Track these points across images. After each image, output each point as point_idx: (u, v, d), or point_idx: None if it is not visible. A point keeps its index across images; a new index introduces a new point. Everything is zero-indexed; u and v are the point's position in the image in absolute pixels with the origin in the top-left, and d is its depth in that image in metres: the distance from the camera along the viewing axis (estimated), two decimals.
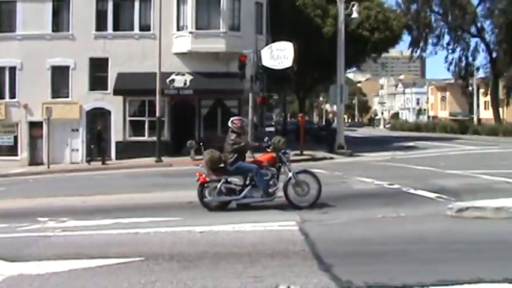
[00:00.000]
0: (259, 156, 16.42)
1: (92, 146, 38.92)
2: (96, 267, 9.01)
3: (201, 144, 17.21)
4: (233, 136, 15.44)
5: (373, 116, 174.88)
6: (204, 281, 7.97)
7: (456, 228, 12.18)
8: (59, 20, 40.44)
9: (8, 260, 9.63)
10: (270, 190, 15.28)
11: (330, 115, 43.21)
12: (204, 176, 15.46)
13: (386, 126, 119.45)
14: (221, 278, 8.09)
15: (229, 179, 15.46)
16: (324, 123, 57.49)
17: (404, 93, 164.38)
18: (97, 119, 40.22)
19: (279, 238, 11.11)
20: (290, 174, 15.48)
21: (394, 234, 11.58)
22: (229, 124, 15.77)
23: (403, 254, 9.62)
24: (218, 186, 15.31)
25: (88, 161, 38.49)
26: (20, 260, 9.71)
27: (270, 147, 15.73)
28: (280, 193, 15.47)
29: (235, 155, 15.29)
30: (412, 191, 18.29)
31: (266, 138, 16.39)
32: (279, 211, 14.89)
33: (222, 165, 15.47)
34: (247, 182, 15.40)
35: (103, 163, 37.40)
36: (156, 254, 9.82)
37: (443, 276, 7.90)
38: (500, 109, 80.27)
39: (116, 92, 38.83)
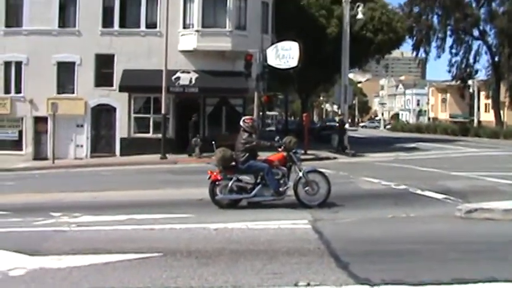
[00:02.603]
0: (270, 155, 16.58)
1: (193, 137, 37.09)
2: (116, 262, 9.16)
3: (213, 142, 17.34)
4: (245, 135, 15.60)
5: (373, 116, 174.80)
6: (224, 277, 8.13)
7: (467, 229, 12.37)
8: (66, 16, 40.53)
9: (28, 254, 9.77)
10: (280, 189, 15.46)
11: (341, 116, 43.15)
12: (215, 174, 15.63)
13: (387, 127, 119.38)
14: (241, 274, 8.25)
15: (240, 178, 15.65)
16: (335, 123, 57.43)
17: (404, 94, 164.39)
18: (102, 115, 40.41)
19: (294, 236, 11.30)
20: (300, 174, 15.65)
21: (406, 234, 11.77)
22: (241, 123, 15.93)
23: (417, 253, 9.79)
24: (229, 184, 15.48)
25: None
26: (40, 254, 9.84)
27: (281, 147, 15.90)
28: (291, 192, 15.66)
29: (247, 154, 15.46)
30: (419, 191, 18.46)
31: (277, 138, 16.56)
32: (290, 209, 15.05)
33: (233, 163, 15.65)
34: (258, 181, 15.58)
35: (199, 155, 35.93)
36: (173, 250, 9.97)
37: (458, 275, 8.09)
38: (502, 112, 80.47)
39: (122, 89, 38.95)
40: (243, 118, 16.20)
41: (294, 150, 15.82)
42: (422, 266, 8.72)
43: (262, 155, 16.89)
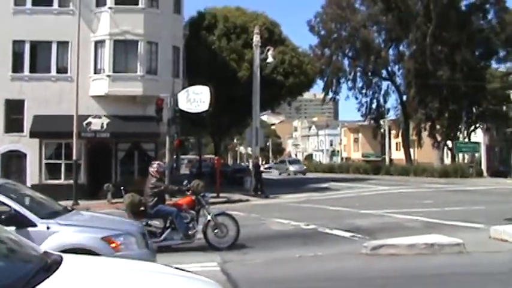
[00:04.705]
0: (178, 199, 16.69)
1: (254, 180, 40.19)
2: None
3: (122, 188, 17.34)
4: (153, 180, 15.68)
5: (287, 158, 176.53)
6: None
7: (372, 265, 12.71)
8: None
9: None
10: (189, 232, 15.58)
11: (256, 159, 43.61)
12: None
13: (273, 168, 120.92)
14: None
15: (149, 222, 15.66)
16: (248, 166, 57.97)
17: (317, 135, 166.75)
18: (13, 162, 39.66)
19: None
20: (209, 217, 15.86)
21: (313, 272, 12.01)
22: (149, 169, 16.02)
23: None
24: None
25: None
26: None
27: (189, 191, 16.06)
28: (200, 235, 15.78)
29: (155, 199, 15.53)
30: (328, 230, 18.84)
31: (185, 182, 16.72)
32: (200, 252, 15.18)
33: (142, 208, 15.67)
34: (167, 225, 15.65)
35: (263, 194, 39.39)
36: None
37: None
38: (412, 150, 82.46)
39: (32, 135, 38.32)
40: (151, 163, 16.31)
41: (202, 194, 16.01)
42: None
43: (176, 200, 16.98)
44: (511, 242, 15.10)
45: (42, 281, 4.72)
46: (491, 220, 19.36)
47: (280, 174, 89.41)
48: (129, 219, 14.27)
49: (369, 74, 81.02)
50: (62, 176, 38.81)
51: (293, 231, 19.51)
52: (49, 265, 5.24)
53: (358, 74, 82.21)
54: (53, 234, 9.88)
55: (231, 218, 16.23)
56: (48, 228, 9.90)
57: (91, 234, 10.12)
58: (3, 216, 9.83)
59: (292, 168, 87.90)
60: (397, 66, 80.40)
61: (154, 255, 11.05)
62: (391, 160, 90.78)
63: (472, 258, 13.39)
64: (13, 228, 9.50)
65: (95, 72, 39.02)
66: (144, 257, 9.68)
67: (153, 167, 15.95)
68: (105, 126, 38.10)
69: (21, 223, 9.82)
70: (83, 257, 6.56)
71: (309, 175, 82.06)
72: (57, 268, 5.11)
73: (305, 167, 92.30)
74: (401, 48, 77.99)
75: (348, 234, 17.86)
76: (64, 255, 5.79)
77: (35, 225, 9.90)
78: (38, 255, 5.55)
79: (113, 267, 5.94)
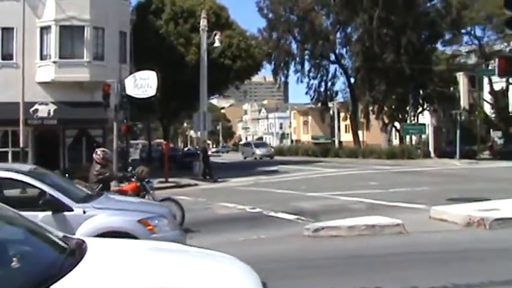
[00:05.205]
0: (124, 185, 16.83)
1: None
2: None
3: (67, 175, 17.41)
4: (98, 167, 15.76)
5: (237, 141, 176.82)
6: None
7: (313, 247, 13.06)
8: None
9: None
10: None
11: (204, 143, 43.82)
12: None
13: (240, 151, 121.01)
14: None
15: None
16: (195, 150, 57.98)
17: (267, 118, 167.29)
18: None
19: None
20: None
21: (256, 255, 12.22)
22: (94, 155, 16.10)
23: (264, 272, 10.28)
24: None
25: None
26: None
27: (134, 177, 16.22)
28: None
29: (100, 185, 15.60)
30: (273, 214, 19.17)
31: (130, 168, 16.93)
32: None
33: None
34: None
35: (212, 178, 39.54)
36: None
37: None
38: (361, 132, 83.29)
39: None
40: (96, 150, 16.39)
41: (146, 180, 16.19)
42: (270, 285, 9.21)
43: (122, 186, 17.12)
44: (450, 222, 15.59)
45: (73, 267, 4.74)
46: (433, 201, 19.93)
47: (245, 158, 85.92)
48: (154, 202, 14.45)
49: (317, 57, 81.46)
50: None
51: (239, 214, 19.81)
52: (75, 251, 5.30)
53: (306, 57, 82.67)
54: (90, 218, 10.08)
55: (176, 203, 16.44)
56: (84, 212, 10.07)
57: (128, 218, 10.36)
58: (40, 202, 9.92)
59: (258, 151, 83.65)
60: (344, 50, 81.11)
61: (185, 237, 11.35)
62: (340, 142, 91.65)
63: (411, 238, 13.80)
64: (49, 213, 9.76)
65: (41, 59, 38.67)
66: (177, 238, 9.99)
67: (98, 154, 16.02)
68: (52, 113, 37.86)
69: (58, 208, 9.99)
70: (107, 240, 6.71)
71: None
72: (83, 254, 5.15)
73: (272, 150, 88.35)
74: (348, 31, 78.57)
75: (292, 217, 18.21)
76: (87, 240, 5.85)
77: (71, 210, 10.09)
78: (64, 241, 5.59)
79: (144, 250, 6.07)
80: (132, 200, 13.15)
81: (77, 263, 4.87)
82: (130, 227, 10.05)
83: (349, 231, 14.27)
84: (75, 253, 5.23)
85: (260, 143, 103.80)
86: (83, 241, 5.72)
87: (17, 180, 10.45)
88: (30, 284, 4.38)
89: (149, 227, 10.28)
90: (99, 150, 16.32)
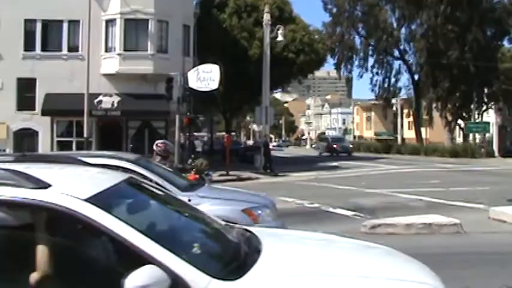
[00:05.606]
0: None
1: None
2: None
3: None
4: (158, 159, 15.85)
5: (300, 136, 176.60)
6: None
7: None
8: None
9: None
10: None
11: (265, 136, 43.92)
12: None
13: (313, 146, 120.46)
14: None
15: None
16: (255, 144, 58.04)
17: (330, 113, 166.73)
18: (25, 140, 40.04)
19: None
20: None
21: None
22: (154, 147, 16.23)
23: None
24: None
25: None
26: None
27: (194, 169, 16.33)
28: None
29: None
30: (331, 209, 19.13)
31: (190, 161, 16.99)
32: None
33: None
34: None
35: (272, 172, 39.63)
36: None
37: None
38: (423, 129, 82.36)
39: (44, 113, 38.70)
40: (156, 142, 16.49)
41: (205, 172, 16.27)
42: None
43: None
44: (510, 223, 15.37)
45: (257, 259, 4.72)
46: (493, 201, 19.59)
47: (320, 154, 79.46)
48: (254, 192, 14.58)
49: (381, 53, 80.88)
50: None
51: (296, 209, 19.79)
52: (251, 238, 5.36)
53: (370, 52, 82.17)
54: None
55: None
56: (189, 200, 9.86)
57: (232, 207, 10.43)
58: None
59: (336, 147, 77.68)
60: (408, 46, 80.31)
61: (286, 227, 11.41)
62: (403, 139, 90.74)
63: (468, 238, 13.65)
64: None
65: (106, 51, 39.34)
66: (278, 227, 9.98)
67: (159, 146, 16.14)
68: (115, 104, 38.46)
69: None
70: (268, 230, 6.74)
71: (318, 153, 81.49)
72: (260, 245, 5.16)
73: (351, 146, 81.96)
74: (413, 27, 77.73)
75: (350, 213, 18.16)
76: (252, 229, 5.92)
77: None
78: (239, 232, 5.62)
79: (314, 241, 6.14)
80: (234, 189, 13.23)
81: (258, 250, 4.94)
82: (234, 216, 9.89)
83: (406, 229, 14.19)
84: (251, 240, 5.32)
85: (338, 137, 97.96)
86: (245, 229, 5.85)
87: (126, 168, 10.32)
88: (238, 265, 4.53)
89: (252, 217, 10.34)
90: (159, 142, 16.42)
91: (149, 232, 4.43)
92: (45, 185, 4.45)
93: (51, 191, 4.41)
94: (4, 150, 39.36)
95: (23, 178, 4.46)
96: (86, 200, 4.39)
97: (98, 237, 4.38)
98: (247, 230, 5.73)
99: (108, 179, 5.31)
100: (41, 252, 4.29)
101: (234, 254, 4.82)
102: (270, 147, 48.24)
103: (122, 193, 5.20)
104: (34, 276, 4.22)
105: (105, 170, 6.14)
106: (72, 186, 4.67)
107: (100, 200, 4.48)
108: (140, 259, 4.09)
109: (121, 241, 4.20)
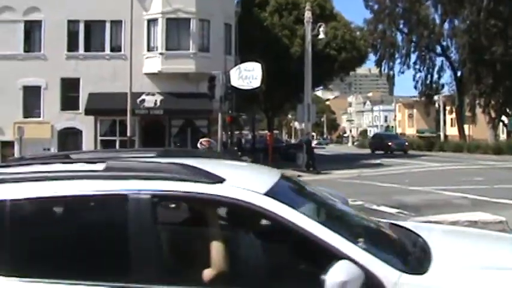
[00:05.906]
0: None
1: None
2: None
3: None
4: None
5: (341, 133, 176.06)
6: None
7: None
8: (31, 40, 40.73)
9: None
10: None
11: (307, 134, 43.88)
12: None
13: (355, 143, 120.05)
14: None
15: None
16: (299, 142, 57.93)
17: (372, 110, 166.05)
18: (69, 139, 40.56)
19: None
20: None
21: None
22: (198, 145, 16.37)
23: None
24: None
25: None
26: None
27: None
28: None
29: None
30: (374, 207, 19.05)
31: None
32: None
33: None
34: None
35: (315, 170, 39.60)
36: None
37: None
38: (466, 126, 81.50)
39: (88, 112, 39.15)
40: (200, 140, 16.66)
41: None
42: None
43: None
44: None
45: (430, 253, 4.69)
46: None
47: (373, 152, 74.15)
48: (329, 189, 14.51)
49: (423, 49, 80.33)
50: None
51: None
52: (412, 237, 5.29)
53: (412, 49, 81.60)
54: None
55: None
56: None
57: None
58: None
59: (391, 144, 71.85)
60: (451, 42, 79.58)
61: None
62: (445, 136, 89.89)
63: None
64: None
65: (148, 50, 39.68)
66: None
67: (203, 144, 16.30)
68: (158, 103, 38.74)
69: None
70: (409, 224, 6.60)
71: (363, 151, 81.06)
72: (419, 239, 5.12)
73: (407, 143, 75.82)
74: (455, 23, 76.99)
75: (394, 211, 18.06)
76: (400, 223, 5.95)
77: None
78: (390, 227, 5.61)
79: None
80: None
81: (424, 245, 4.92)
82: None
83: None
84: (410, 234, 5.30)
85: (392, 135, 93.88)
86: (392, 223, 5.89)
87: None
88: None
89: None
90: (203, 140, 16.61)
91: (332, 227, 4.36)
92: (220, 180, 4.41)
93: (228, 186, 4.39)
94: (49, 149, 39.93)
95: (197, 173, 4.42)
96: (266, 194, 4.36)
97: (282, 231, 4.32)
98: (394, 224, 5.75)
99: (269, 174, 5.26)
100: (217, 247, 4.30)
101: (406, 249, 4.82)
102: (313, 145, 48.09)
103: (286, 188, 5.14)
104: (208, 273, 4.22)
105: (254, 165, 6.06)
106: (246, 180, 4.66)
107: (276, 194, 4.44)
108: (330, 255, 4.04)
109: (308, 236, 4.15)
